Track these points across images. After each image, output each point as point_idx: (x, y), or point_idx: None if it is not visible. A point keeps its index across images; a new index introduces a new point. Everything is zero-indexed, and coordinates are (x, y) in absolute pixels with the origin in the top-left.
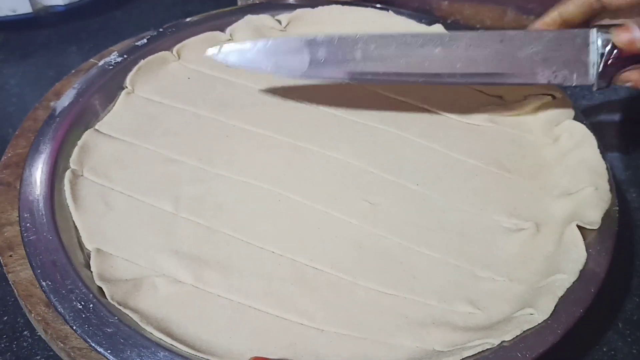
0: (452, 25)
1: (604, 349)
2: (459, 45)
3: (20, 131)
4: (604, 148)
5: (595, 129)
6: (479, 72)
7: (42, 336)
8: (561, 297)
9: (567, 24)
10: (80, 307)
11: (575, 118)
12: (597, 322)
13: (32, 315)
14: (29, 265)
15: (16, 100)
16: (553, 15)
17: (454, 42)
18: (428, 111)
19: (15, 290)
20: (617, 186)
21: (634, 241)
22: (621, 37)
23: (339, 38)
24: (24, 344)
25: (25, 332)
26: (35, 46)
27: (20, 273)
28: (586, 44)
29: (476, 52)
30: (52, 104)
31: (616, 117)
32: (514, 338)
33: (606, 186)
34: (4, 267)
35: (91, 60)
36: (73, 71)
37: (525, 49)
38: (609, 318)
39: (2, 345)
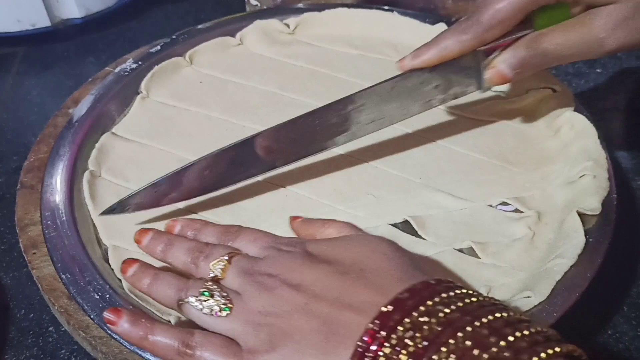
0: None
1: (609, 332)
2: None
3: (41, 137)
4: (609, 137)
5: (601, 118)
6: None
7: (65, 327)
8: (559, 281)
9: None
10: (98, 297)
11: (576, 109)
12: (602, 306)
13: (56, 307)
14: (51, 262)
15: (38, 110)
16: (431, 56)
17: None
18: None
19: (39, 285)
20: (622, 174)
21: (639, 227)
22: (493, 80)
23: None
24: (50, 339)
25: (51, 328)
26: (55, 58)
27: (44, 269)
28: (478, 70)
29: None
30: (70, 110)
31: (621, 106)
32: None
33: (605, 174)
34: (29, 264)
35: (107, 68)
36: (90, 79)
37: (420, 87)
38: (614, 302)
39: (29, 341)
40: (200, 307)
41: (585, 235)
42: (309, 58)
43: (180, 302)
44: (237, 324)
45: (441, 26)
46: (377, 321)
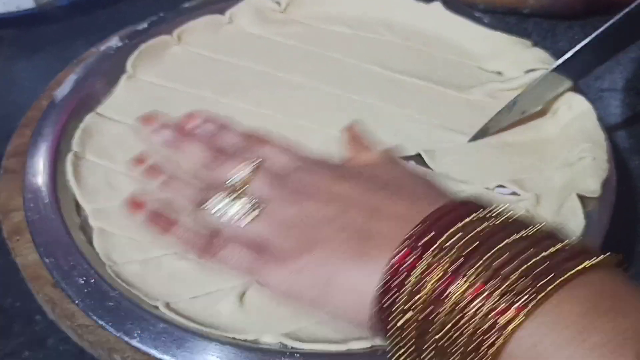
0: (450, 3)
1: None
2: None
3: (25, 120)
4: (606, 117)
5: (598, 98)
6: None
7: (50, 316)
8: None
9: None
10: (82, 282)
11: (574, 90)
12: None
13: (40, 295)
14: (34, 248)
15: (27, 95)
16: None
17: None
18: (428, 88)
19: (23, 273)
20: (619, 155)
21: (637, 208)
22: None
23: None
24: (37, 327)
25: (37, 317)
26: (44, 41)
27: (28, 256)
28: None
29: None
30: (55, 92)
31: (618, 86)
32: None
33: (604, 156)
34: (12, 251)
35: (92, 49)
36: (75, 60)
37: None
38: None
39: (16, 329)
40: (226, 209)
41: (585, 218)
42: (302, 37)
43: (203, 205)
44: (267, 229)
45: (437, 5)
46: (417, 226)
